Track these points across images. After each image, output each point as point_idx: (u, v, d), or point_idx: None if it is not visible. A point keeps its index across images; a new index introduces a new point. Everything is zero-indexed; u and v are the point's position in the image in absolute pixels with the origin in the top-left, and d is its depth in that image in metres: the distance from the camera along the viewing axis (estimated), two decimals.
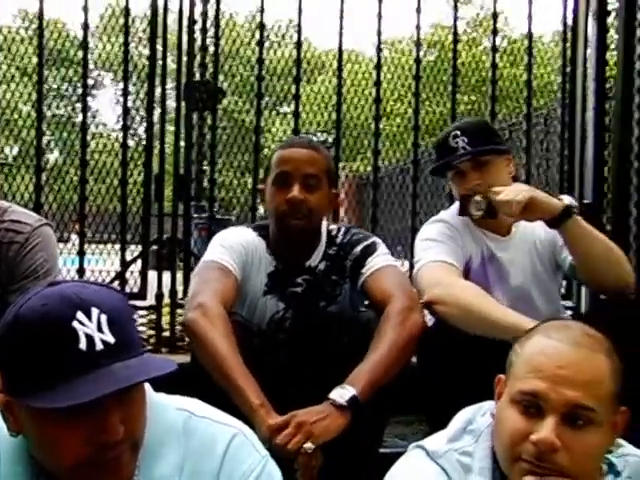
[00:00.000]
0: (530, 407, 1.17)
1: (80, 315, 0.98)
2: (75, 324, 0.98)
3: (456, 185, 2.17)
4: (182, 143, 3.28)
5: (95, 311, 0.99)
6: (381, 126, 3.47)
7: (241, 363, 1.74)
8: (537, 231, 2.18)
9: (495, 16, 3.66)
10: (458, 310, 1.92)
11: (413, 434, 2.30)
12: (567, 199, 2.03)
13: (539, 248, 2.20)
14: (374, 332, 1.83)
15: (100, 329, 0.99)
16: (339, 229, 2.10)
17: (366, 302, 2.06)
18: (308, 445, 1.66)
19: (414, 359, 2.02)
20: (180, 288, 3.17)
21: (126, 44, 3.21)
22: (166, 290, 3.14)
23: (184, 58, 3.23)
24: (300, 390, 1.82)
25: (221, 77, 3.63)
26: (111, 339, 0.99)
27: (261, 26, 3.36)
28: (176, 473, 1.11)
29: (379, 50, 3.42)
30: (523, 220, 2.02)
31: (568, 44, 3.52)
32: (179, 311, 2.99)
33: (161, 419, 1.12)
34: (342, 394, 1.71)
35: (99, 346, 0.98)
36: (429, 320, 1.99)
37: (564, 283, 2.51)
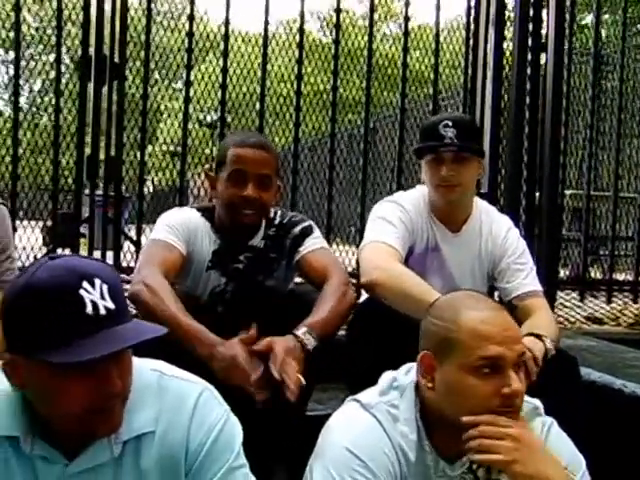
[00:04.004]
0: (486, 368, 1.42)
1: (86, 284, 1.14)
2: (82, 292, 1.13)
3: (430, 169, 2.30)
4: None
5: (98, 281, 1.15)
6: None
7: (188, 316, 1.90)
8: (485, 238, 2.36)
9: (407, 4, 3.89)
10: (394, 294, 2.12)
11: (329, 399, 2.50)
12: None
13: (482, 254, 2.37)
14: (309, 303, 2.04)
15: (102, 297, 1.14)
16: (275, 212, 2.29)
17: (297, 280, 2.29)
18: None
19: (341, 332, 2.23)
20: None
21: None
22: None
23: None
24: None
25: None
26: (112, 305, 1.15)
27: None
28: (153, 424, 1.27)
29: (265, 31, 3.63)
30: None
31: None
32: None
33: (139, 378, 1.27)
34: (309, 341, 1.93)
35: (102, 311, 1.14)
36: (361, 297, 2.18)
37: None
